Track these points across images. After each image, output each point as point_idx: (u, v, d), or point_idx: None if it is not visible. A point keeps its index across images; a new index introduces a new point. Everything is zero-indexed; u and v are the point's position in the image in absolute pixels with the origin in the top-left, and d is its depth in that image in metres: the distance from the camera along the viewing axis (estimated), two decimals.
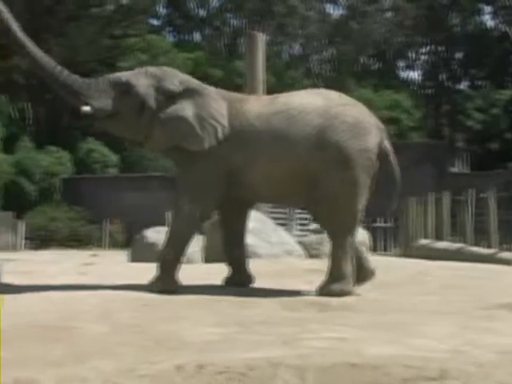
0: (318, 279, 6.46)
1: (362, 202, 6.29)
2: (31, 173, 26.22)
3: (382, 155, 6.39)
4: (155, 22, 40.53)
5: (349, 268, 6.24)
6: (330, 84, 34.84)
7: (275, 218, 13.47)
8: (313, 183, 6.22)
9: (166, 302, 5.66)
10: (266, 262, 9.45)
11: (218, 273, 7.58)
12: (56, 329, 4.53)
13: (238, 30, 39.39)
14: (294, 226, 18.92)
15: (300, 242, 10.97)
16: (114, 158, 28.40)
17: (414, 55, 41.05)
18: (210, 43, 38.15)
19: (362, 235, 11.61)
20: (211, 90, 6.71)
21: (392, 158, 6.48)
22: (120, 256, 13.02)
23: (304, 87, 32.55)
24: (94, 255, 12.67)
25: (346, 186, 6.18)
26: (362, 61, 39.38)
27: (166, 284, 6.28)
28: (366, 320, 4.89)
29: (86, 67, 26.90)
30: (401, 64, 41.21)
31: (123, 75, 6.61)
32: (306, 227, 15.18)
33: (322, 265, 9.13)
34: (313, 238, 11.31)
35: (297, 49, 40.60)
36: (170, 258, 6.36)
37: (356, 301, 5.87)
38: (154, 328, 4.53)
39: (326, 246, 10.85)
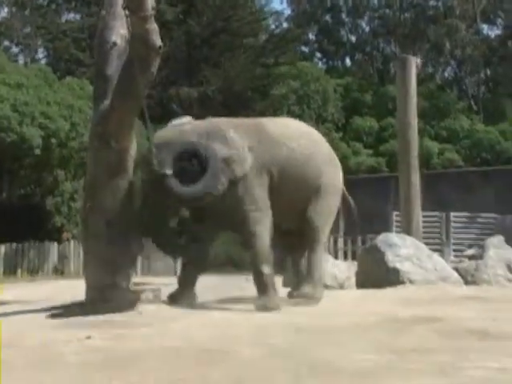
0: (477, 306, 6.25)
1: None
2: None
3: None
4: (305, 49, 40.98)
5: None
6: (486, 106, 33.84)
7: (429, 244, 13.15)
8: None
9: (318, 328, 5.66)
10: (421, 288, 9.25)
11: (371, 298, 7.50)
12: (213, 352, 4.64)
13: (389, 54, 39.12)
14: (450, 252, 18.42)
15: (456, 269, 10.66)
16: None
17: None
18: (361, 68, 38.04)
19: None
20: None
21: None
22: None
23: (457, 110, 31.81)
24: (248, 280, 12.84)
25: None
26: None
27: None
28: None
29: (241, 96, 27.59)
30: None
31: None
32: (461, 253, 14.75)
33: (480, 292, 8.85)
34: (469, 264, 10.95)
35: (451, 70, 39.77)
36: None
37: None
38: (307, 354, 4.54)
39: (484, 273, 10.53)
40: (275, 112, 27.70)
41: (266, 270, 6.82)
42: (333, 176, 7.71)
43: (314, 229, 7.51)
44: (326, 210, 7.63)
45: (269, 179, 7.03)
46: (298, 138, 7.35)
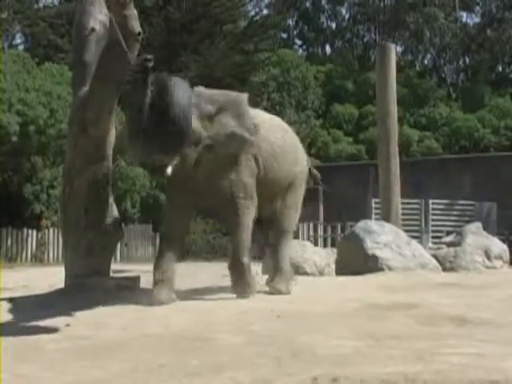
0: (454, 293, 6.30)
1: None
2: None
3: None
4: (285, 36, 40.91)
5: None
6: (465, 93, 34.00)
7: (408, 231, 13.21)
8: None
9: (298, 314, 5.68)
10: (399, 274, 9.30)
11: (350, 285, 7.53)
12: (192, 339, 4.64)
13: (369, 41, 39.17)
14: (428, 239, 18.53)
15: (434, 255, 10.73)
16: None
17: None
18: (341, 56, 38.06)
19: (500, 248, 11.23)
20: None
21: None
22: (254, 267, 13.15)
23: (436, 98, 31.93)
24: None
25: None
26: (498, 69, 38.19)
27: None
28: (506, 335, 4.73)
29: (221, 83, 27.50)
30: None
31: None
32: (440, 240, 14.86)
33: (458, 278, 8.92)
34: (448, 250, 11.02)
35: (430, 58, 39.88)
36: None
37: (495, 316, 5.68)
38: (287, 340, 4.56)
39: (462, 259, 10.61)
40: (255, 99, 27.67)
41: (246, 260, 6.81)
42: (303, 164, 7.74)
43: (287, 219, 7.53)
44: (299, 200, 7.66)
45: (255, 165, 6.98)
46: (277, 130, 7.32)
